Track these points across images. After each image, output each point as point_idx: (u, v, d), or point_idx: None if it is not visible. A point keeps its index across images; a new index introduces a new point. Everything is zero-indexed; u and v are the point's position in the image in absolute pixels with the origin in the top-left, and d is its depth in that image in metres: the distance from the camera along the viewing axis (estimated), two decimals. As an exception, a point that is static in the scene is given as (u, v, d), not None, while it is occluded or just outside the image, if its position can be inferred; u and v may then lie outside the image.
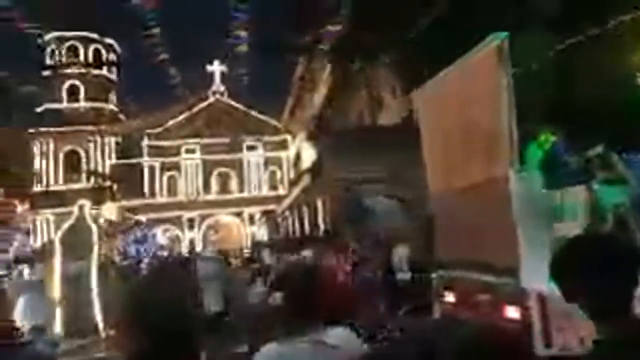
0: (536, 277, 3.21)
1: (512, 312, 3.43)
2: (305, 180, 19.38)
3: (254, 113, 36.10)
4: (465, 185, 3.87)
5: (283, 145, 36.03)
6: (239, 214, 34.65)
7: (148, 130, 34.41)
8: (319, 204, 17.87)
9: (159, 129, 34.67)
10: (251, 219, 34.45)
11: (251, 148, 35.77)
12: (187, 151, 34.89)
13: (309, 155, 22.75)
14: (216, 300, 7.21)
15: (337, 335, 1.81)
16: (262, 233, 31.66)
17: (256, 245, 23.57)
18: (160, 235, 29.38)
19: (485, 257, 3.71)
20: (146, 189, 34.11)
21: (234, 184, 35.61)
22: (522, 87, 3.31)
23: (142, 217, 28.86)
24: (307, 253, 9.01)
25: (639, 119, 6.32)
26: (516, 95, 3.25)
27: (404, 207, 13.85)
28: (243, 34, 22.70)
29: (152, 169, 34.37)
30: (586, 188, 3.51)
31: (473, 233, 3.84)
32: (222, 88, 35.98)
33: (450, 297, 4.27)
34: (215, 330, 6.39)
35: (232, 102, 35.98)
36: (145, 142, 34.42)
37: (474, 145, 3.69)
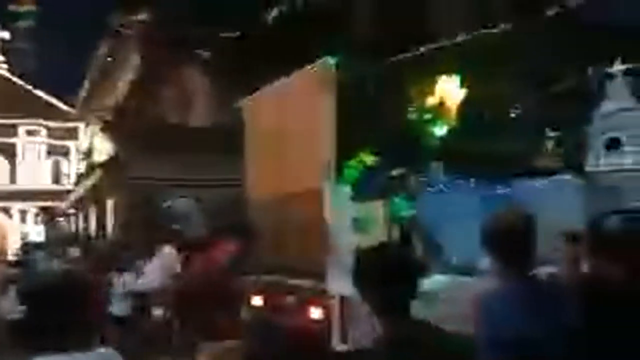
0: (340, 281, 3.60)
1: (316, 313, 3.75)
2: (97, 175, 17.60)
3: (39, 93, 31.19)
4: (281, 193, 4.09)
5: (73, 133, 31.94)
6: (9, 210, 29.33)
7: None
8: (110, 202, 16.43)
9: None
10: (25, 215, 29.52)
11: (31, 133, 30.78)
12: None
13: (103, 148, 20.72)
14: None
15: (99, 356, 1.71)
16: (38, 232, 27.47)
17: (27, 246, 20.29)
18: None
19: (295, 262, 3.97)
20: None
21: (4, 173, 30.05)
22: (344, 106, 3.68)
23: None
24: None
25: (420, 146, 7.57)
26: (338, 115, 3.60)
27: (203, 209, 13.74)
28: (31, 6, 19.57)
29: None
30: (384, 203, 4.08)
31: (284, 238, 4.08)
32: (-1, 58, 30.27)
33: (258, 301, 4.42)
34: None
35: (11, 77, 30.50)
36: None
37: (296, 157, 3.94)
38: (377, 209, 4.04)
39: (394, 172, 4.56)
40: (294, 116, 4.00)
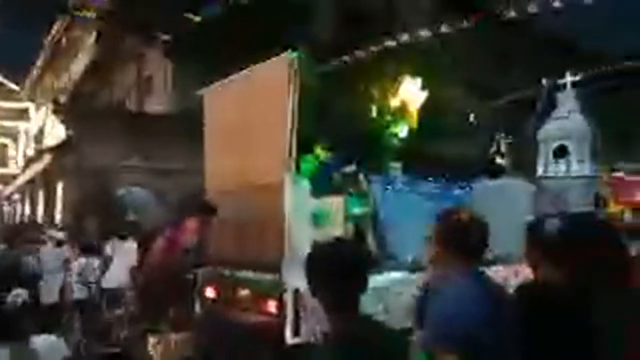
0: (295, 275, 3.62)
1: (271, 307, 3.75)
2: (47, 159, 16.83)
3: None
4: (240, 186, 4.06)
5: (21, 114, 30.43)
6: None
7: None
8: (60, 187, 15.78)
9: None
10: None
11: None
12: None
13: (55, 131, 19.86)
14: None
15: (42, 341, 1.76)
16: None
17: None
18: None
19: (252, 255, 3.95)
20: None
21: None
22: (303, 100, 3.70)
23: None
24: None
25: (379, 145, 7.72)
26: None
27: (160, 199, 13.46)
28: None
29: None
30: (342, 199, 4.14)
31: (243, 232, 4.06)
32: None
33: (211, 293, 4.37)
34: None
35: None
36: None
37: (256, 150, 3.92)
38: (335, 205, 4.09)
39: (348, 169, 4.65)
40: (255, 108, 3.97)
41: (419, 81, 10.48)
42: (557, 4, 5.92)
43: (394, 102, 10.86)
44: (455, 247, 1.97)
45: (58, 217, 15.35)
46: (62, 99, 20.93)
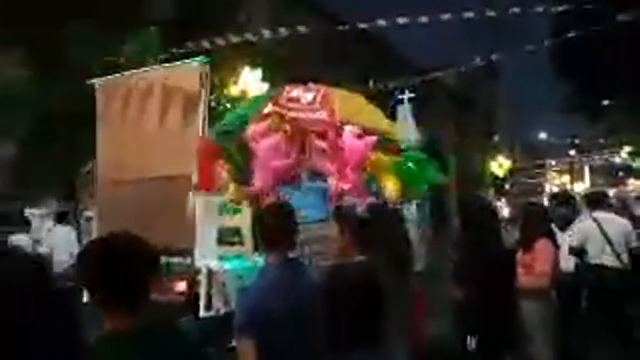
0: (207, 256, 4.11)
1: (182, 287, 4.12)
2: None
3: None
4: (149, 176, 4.29)
5: None
6: None
7: None
8: None
9: None
10: None
11: None
12: None
13: None
14: None
15: None
16: None
17: None
18: None
19: (158, 242, 4.23)
20: None
21: None
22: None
23: None
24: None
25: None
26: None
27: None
28: None
29: None
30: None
31: (147, 221, 4.29)
32: None
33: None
34: None
35: None
36: None
37: (167, 145, 4.20)
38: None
39: None
40: (166, 106, 4.21)
41: (259, 73, 11.17)
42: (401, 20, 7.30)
43: (234, 91, 11.36)
44: (262, 239, 2.26)
45: None
46: None
